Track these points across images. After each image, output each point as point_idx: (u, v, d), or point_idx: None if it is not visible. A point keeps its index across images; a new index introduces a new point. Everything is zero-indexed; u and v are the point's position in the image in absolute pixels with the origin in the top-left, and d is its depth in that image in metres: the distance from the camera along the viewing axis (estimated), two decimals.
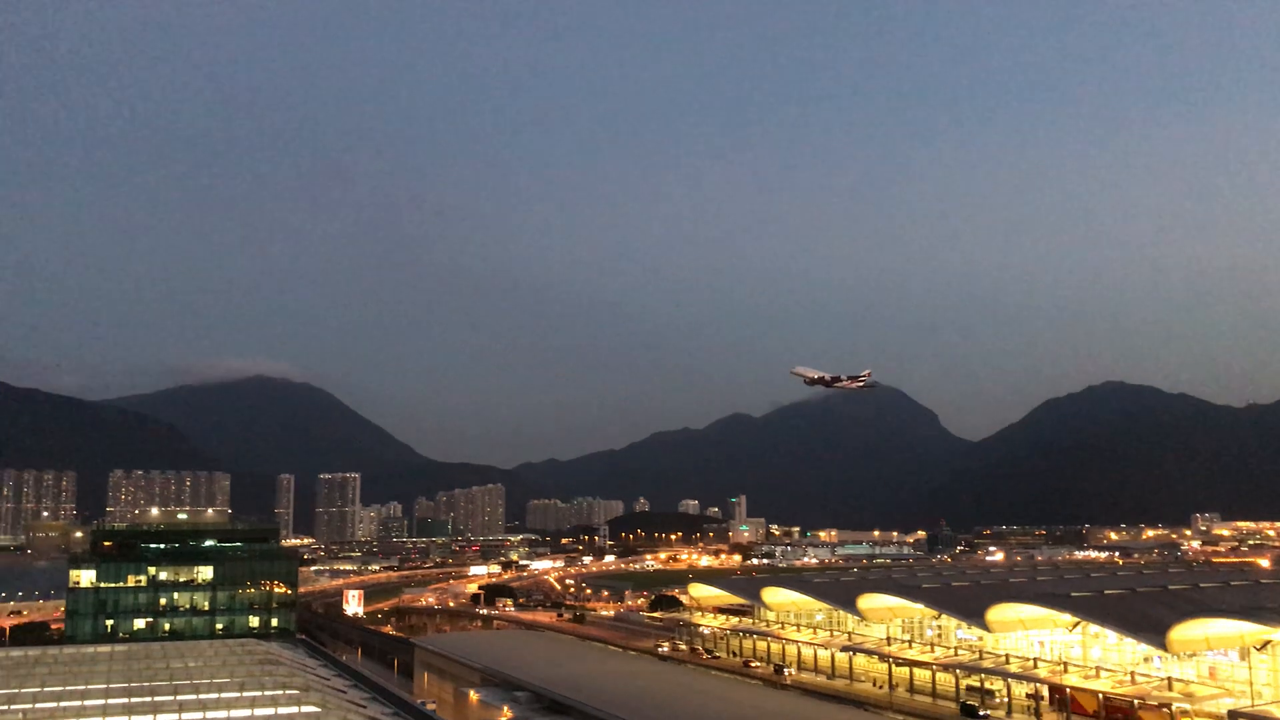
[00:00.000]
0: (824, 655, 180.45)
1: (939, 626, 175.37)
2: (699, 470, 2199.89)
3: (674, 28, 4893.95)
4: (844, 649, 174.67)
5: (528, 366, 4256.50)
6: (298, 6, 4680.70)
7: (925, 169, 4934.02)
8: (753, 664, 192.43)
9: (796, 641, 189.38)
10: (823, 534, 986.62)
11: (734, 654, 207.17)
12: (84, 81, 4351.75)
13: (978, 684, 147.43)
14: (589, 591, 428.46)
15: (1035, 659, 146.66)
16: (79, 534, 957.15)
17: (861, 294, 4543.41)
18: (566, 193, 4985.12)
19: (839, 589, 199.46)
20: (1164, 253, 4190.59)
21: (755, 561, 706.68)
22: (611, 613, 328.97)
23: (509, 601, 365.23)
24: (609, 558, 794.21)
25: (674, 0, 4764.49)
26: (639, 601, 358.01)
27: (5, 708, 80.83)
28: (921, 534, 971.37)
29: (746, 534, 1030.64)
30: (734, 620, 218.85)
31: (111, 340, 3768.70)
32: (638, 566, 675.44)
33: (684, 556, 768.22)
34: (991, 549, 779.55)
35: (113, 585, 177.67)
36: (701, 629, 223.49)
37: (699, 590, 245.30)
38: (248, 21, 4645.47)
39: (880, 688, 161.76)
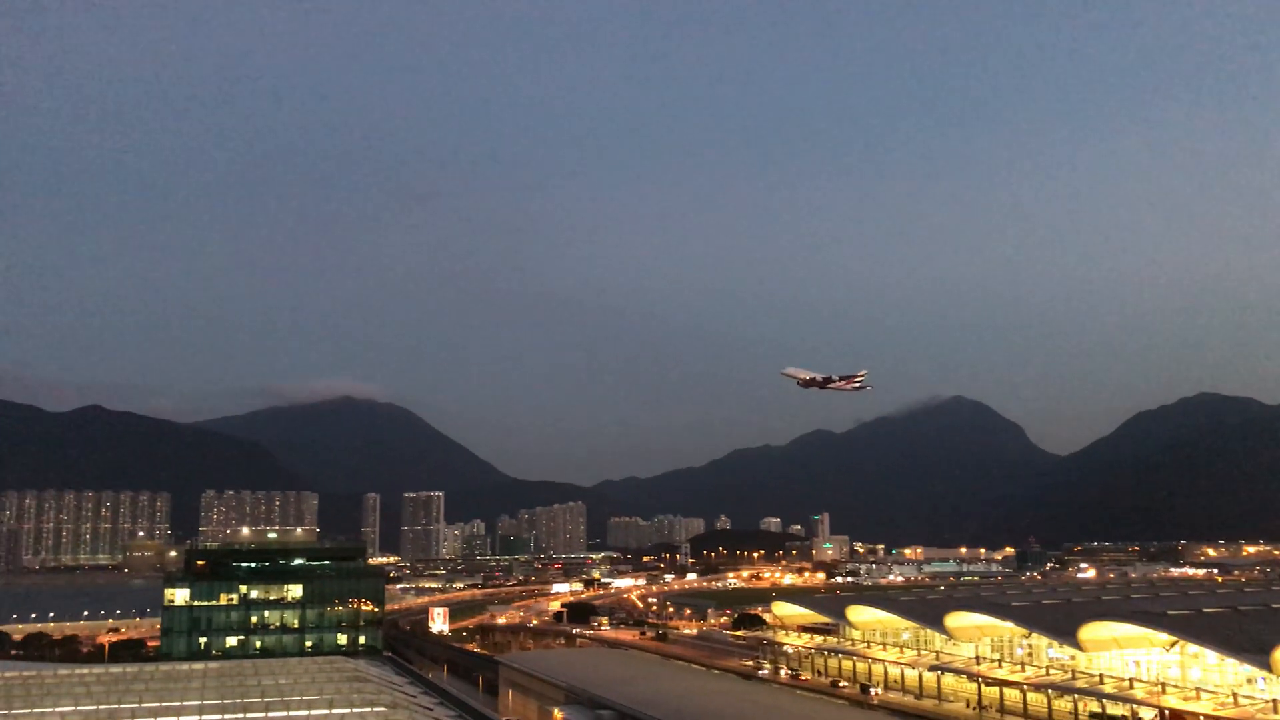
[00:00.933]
0: (911, 675, 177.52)
1: (1029, 645, 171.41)
2: (780, 487, 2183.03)
3: (738, 41, 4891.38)
4: (932, 668, 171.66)
5: (608, 385, 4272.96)
6: (385, 40, 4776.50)
7: (1011, 179, 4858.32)
8: (840, 684, 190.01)
9: (883, 660, 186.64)
10: (908, 551, 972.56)
11: (819, 673, 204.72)
12: (172, 110, 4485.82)
13: (1070, 706, 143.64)
14: (671, 609, 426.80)
15: (1131, 679, 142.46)
16: (173, 553, 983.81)
17: (945, 306, 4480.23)
18: (647, 211, 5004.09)
19: (926, 607, 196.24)
20: (1257, 260, 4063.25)
21: (839, 579, 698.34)
22: (694, 631, 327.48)
23: (605, 620, 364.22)
24: (691, 576, 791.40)
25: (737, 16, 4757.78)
26: (722, 620, 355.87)
27: None
28: (1009, 550, 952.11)
29: (830, 552, 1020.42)
30: (818, 639, 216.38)
31: (203, 364, 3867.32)
32: (720, 584, 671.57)
33: (766, 574, 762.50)
34: (1083, 566, 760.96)
35: (206, 604, 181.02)
36: (785, 648, 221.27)
37: (782, 609, 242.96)
38: (335, 54, 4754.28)
39: (971, 708, 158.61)
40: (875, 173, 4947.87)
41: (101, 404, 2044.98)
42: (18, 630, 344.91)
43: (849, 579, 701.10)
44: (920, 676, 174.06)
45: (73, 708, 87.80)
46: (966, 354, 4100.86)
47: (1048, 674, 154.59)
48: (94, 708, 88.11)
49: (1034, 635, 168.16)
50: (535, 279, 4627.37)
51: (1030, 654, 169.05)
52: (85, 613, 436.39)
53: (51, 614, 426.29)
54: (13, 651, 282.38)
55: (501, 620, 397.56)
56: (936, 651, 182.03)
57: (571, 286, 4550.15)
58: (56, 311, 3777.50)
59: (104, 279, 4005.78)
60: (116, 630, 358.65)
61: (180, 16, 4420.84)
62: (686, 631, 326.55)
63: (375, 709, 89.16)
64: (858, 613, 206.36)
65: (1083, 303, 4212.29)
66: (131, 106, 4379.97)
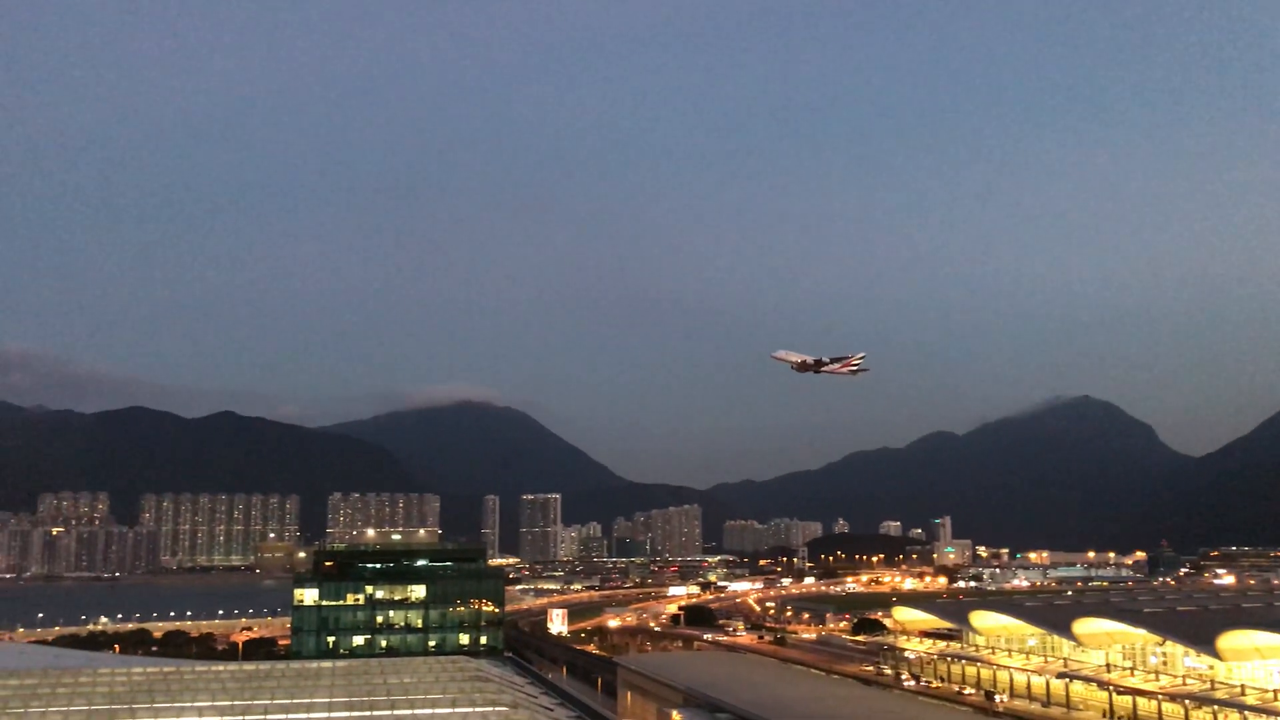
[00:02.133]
0: (1038, 682, 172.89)
1: (1163, 654, 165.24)
2: (899, 490, 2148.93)
3: (876, 36, 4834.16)
4: (1060, 676, 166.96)
5: (723, 387, 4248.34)
6: (499, 50, 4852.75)
7: (1137, 174, 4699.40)
8: (964, 691, 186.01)
9: (1008, 667, 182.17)
10: (1033, 555, 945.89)
11: (941, 679, 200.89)
12: (299, 122, 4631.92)
13: (1209, 717, 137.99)
14: (789, 613, 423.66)
15: (1276, 691, 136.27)
16: (302, 554, 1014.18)
17: (1072, 305, 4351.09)
18: (757, 213, 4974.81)
19: (1053, 613, 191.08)
20: None
21: (961, 584, 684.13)
22: (812, 635, 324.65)
23: (740, 625, 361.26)
24: (808, 580, 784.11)
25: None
26: (840, 624, 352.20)
27: (240, 718, 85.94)
28: (1140, 555, 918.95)
29: (952, 556, 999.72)
30: (941, 644, 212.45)
31: (330, 371, 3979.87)
32: (838, 589, 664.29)
33: (886, 579, 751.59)
34: (1220, 571, 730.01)
35: (334, 604, 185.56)
36: (906, 653, 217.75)
37: (903, 613, 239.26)
38: (454, 67, 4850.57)
39: (1105, 718, 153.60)
40: (992, 170, 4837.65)
41: (234, 410, 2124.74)
42: (158, 628, 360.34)
43: (972, 584, 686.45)
44: (1047, 684, 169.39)
45: (209, 703, 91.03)
46: (1094, 353, 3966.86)
47: (1184, 684, 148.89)
48: (229, 703, 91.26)
49: (1168, 643, 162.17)
50: (650, 282, 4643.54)
51: (1165, 662, 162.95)
52: (220, 612, 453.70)
53: (189, 613, 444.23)
54: (153, 648, 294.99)
55: (619, 623, 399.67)
56: (1064, 659, 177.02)
57: (686, 289, 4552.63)
58: (191, 322, 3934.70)
59: (234, 290, 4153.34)
60: (249, 629, 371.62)
61: (303, 30, 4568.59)
62: (805, 636, 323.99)
63: (497, 708, 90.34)
64: (981, 618, 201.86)
65: (1217, 297, 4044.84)
66: (258, 118, 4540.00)
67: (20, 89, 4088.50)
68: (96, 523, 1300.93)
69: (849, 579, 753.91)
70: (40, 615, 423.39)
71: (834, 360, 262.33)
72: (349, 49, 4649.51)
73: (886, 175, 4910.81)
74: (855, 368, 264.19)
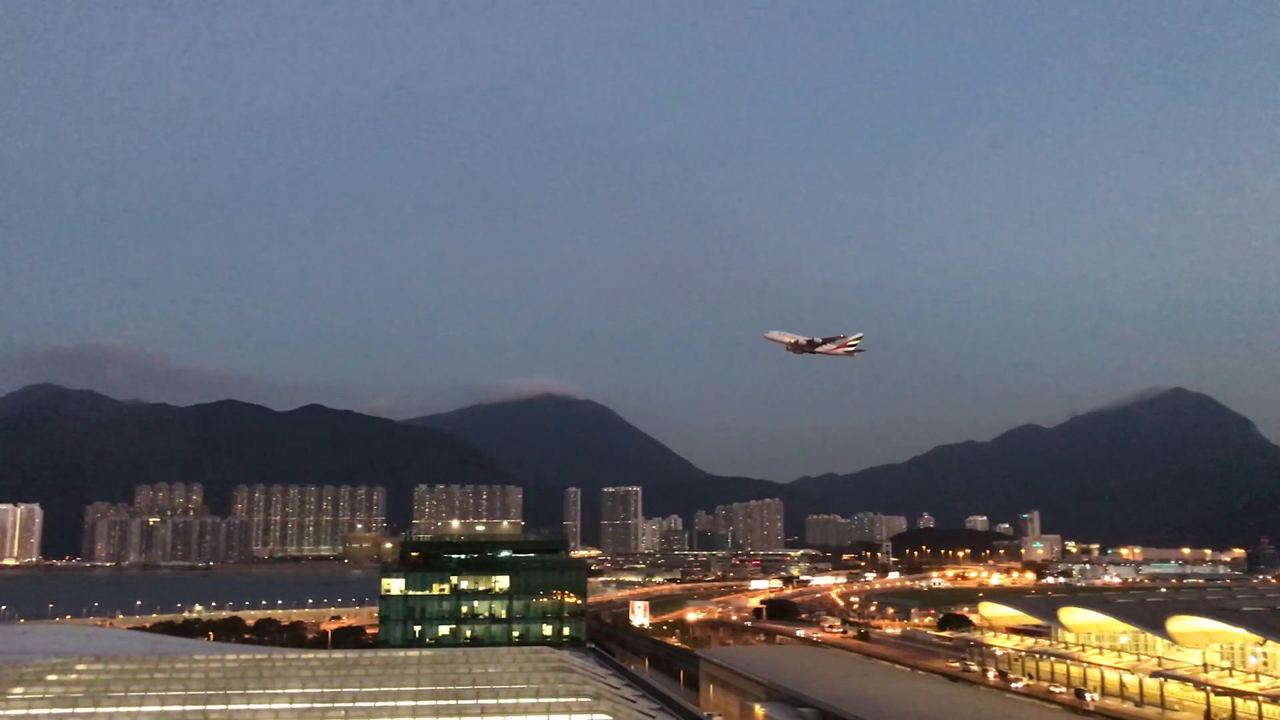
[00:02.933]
0: (1131, 681, 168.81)
1: (1264, 654, 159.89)
2: (986, 485, 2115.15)
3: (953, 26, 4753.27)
4: (1154, 675, 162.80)
5: (805, 380, 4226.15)
6: (575, 43, 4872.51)
7: (1230, 160, 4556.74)
8: (1054, 689, 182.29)
9: (1099, 665, 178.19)
10: (1125, 551, 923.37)
11: (1029, 676, 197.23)
12: (379, 120, 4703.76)
13: None
14: (873, 608, 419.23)
15: None
16: (388, 545, 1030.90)
17: (1163, 296, 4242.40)
18: (841, 204, 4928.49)
19: (1146, 610, 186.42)
20: None
21: (1050, 580, 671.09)
22: (897, 631, 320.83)
23: (837, 622, 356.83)
24: (893, 574, 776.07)
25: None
26: (926, 620, 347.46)
27: (330, 705, 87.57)
28: (1238, 552, 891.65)
29: (1040, 551, 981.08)
30: (1029, 641, 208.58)
31: (415, 364, 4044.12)
32: (923, 584, 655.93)
33: (972, 574, 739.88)
34: None
35: (419, 593, 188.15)
36: (994, 649, 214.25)
37: (990, 609, 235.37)
38: (530, 59, 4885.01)
39: (1203, 719, 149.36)
40: (1080, 162, 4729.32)
41: (322, 403, 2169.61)
42: (250, 616, 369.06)
43: (1061, 580, 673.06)
44: (1141, 683, 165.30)
45: (300, 690, 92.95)
46: (1187, 345, 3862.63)
47: None
48: (319, 690, 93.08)
49: (1269, 643, 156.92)
50: (732, 274, 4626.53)
51: (1266, 663, 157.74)
52: (309, 600, 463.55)
53: (279, 601, 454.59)
54: (245, 635, 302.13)
55: (701, 616, 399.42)
56: (1158, 657, 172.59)
57: (768, 282, 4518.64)
58: (280, 318, 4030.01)
59: (323, 286, 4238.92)
60: (338, 618, 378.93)
61: (378, 28, 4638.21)
62: (889, 631, 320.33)
63: (580, 699, 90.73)
64: (1071, 615, 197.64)
65: None
66: (339, 117, 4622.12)
67: (119, 96, 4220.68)
68: (191, 513, 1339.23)
69: (934, 574, 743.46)
70: (139, 603, 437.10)
71: (828, 340, 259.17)
72: (438, 52, 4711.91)
73: (971, 171, 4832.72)
74: (851, 348, 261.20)
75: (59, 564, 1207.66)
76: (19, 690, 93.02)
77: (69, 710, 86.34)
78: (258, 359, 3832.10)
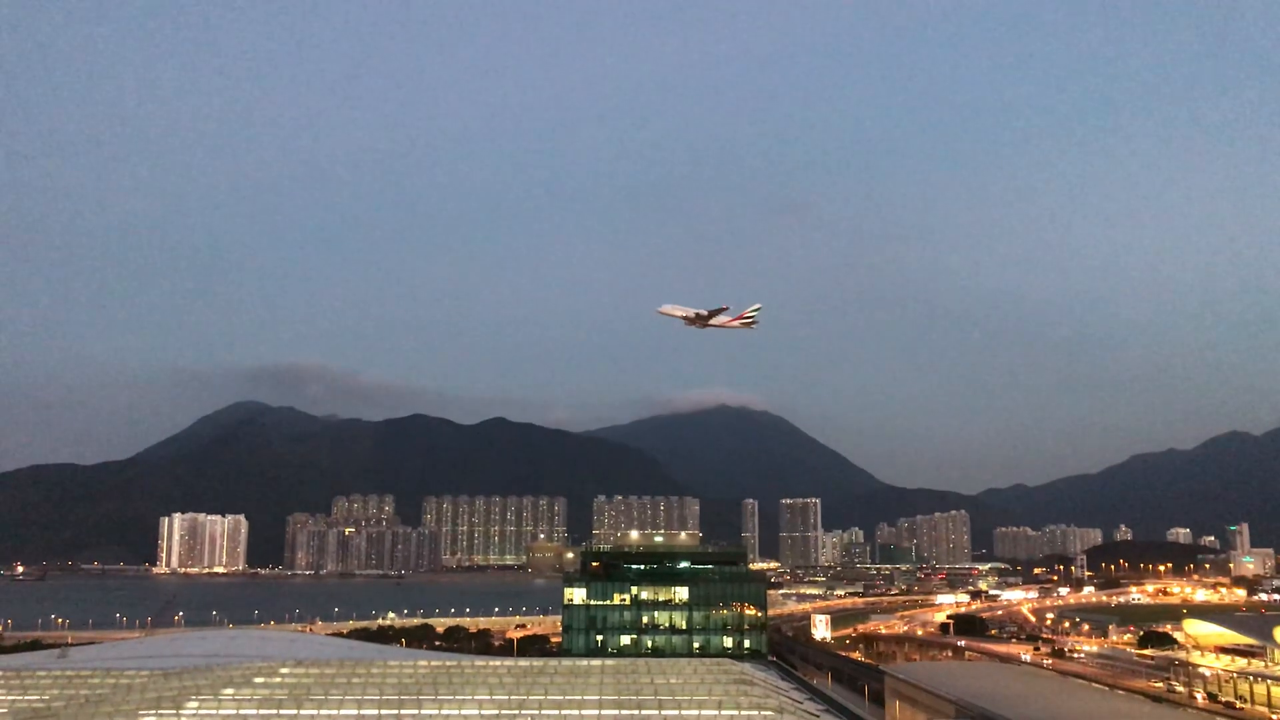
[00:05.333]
0: None
1: None
2: (1188, 495, 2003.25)
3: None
4: None
5: (990, 389, 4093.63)
6: (750, 54, 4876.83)
7: None
8: (1274, 715, 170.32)
9: None
10: None
11: (1242, 699, 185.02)
12: (553, 133, 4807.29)
13: None
14: (1066, 625, 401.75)
15: None
16: (570, 555, 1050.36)
17: None
18: (1024, 209, 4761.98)
19: None
20: None
21: (1263, 597, 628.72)
22: (1094, 648, 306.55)
23: (1037, 641, 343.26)
24: (1088, 589, 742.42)
25: None
26: (1124, 637, 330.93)
27: (517, 712, 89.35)
28: None
29: (1251, 566, 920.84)
30: (1241, 662, 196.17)
31: (593, 377, 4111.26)
32: (1121, 599, 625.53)
33: (1175, 590, 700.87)
34: None
35: (601, 603, 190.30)
36: (1202, 670, 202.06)
37: (1196, 627, 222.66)
38: (705, 71, 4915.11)
39: None
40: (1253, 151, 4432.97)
41: (505, 416, 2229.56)
42: (440, 623, 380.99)
43: (1275, 597, 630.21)
44: None
45: (488, 696, 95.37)
46: None
47: None
48: (506, 697, 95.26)
49: None
50: (910, 284, 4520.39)
51: None
52: (495, 609, 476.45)
53: (467, 609, 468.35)
54: (436, 642, 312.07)
55: (885, 630, 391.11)
56: None
57: (948, 290, 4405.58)
58: (464, 334, 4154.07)
59: (502, 302, 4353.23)
60: (523, 626, 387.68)
61: (549, 41, 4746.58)
62: (1085, 648, 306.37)
63: (763, 712, 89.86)
64: None
65: None
66: (515, 133, 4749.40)
67: (297, 116, 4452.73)
68: (384, 524, 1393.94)
69: (1133, 589, 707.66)
70: (336, 610, 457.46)
71: (716, 312, 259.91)
72: (610, 65, 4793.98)
73: (1170, 166, 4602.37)
74: (747, 320, 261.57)
75: (263, 572, 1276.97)
76: (229, 691, 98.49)
77: (274, 711, 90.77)
78: (443, 374, 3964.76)
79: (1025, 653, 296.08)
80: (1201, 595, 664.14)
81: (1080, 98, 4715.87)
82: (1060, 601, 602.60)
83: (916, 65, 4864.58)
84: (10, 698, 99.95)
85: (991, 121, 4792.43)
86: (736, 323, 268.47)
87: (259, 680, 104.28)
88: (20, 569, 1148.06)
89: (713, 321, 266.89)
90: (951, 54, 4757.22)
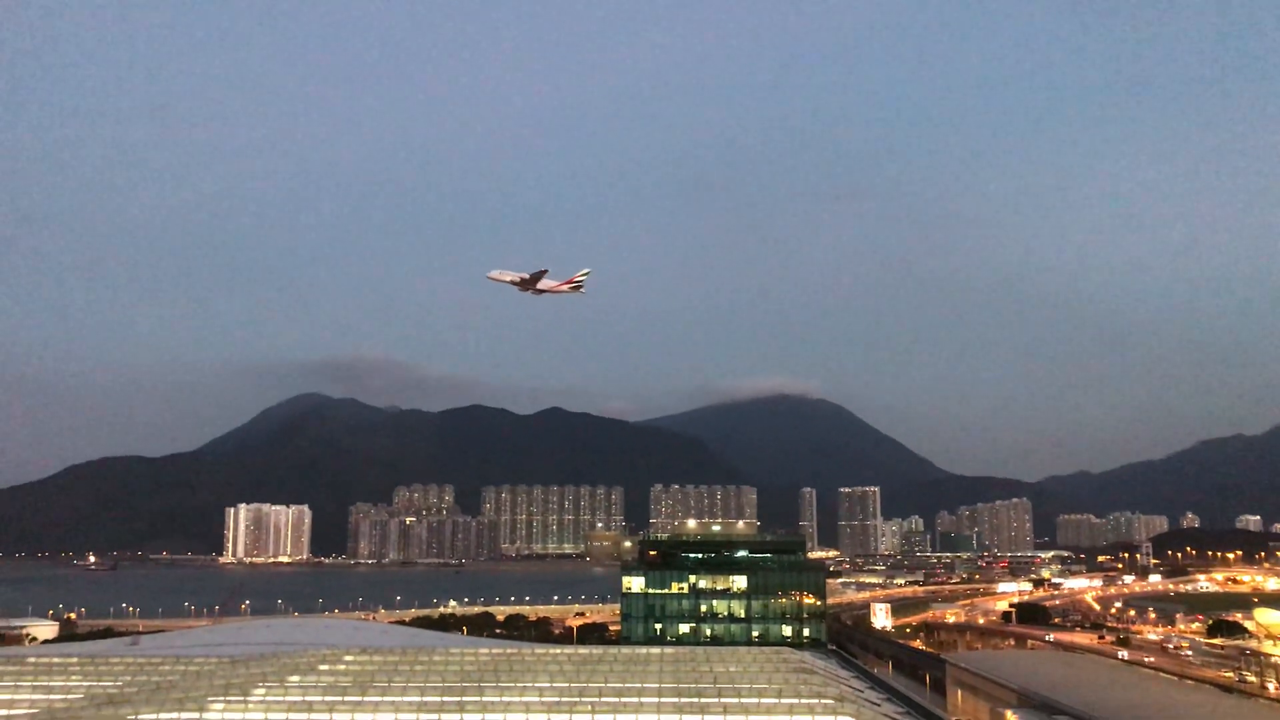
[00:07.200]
0: None
1: None
2: (1258, 481, 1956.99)
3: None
4: None
5: (1051, 374, 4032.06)
6: (808, 44, 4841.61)
7: None
8: None
9: None
10: None
11: None
12: (624, 124, 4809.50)
13: None
14: (1132, 613, 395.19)
15: None
16: (628, 543, 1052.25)
17: None
18: (1082, 191, 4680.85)
19: None
20: None
21: None
22: (1160, 637, 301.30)
23: (1120, 638, 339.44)
24: (1154, 577, 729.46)
25: None
26: (1192, 626, 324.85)
27: (577, 699, 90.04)
28: None
29: None
30: None
31: (650, 366, 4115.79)
32: (1188, 588, 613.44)
33: (1245, 578, 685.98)
34: None
35: (659, 592, 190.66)
36: (1274, 660, 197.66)
37: (1268, 616, 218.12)
38: (763, 58, 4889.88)
39: None
40: None
41: (562, 406, 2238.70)
42: (500, 611, 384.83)
43: None
44: None
45: (549, 684, 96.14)
46: None
47: None
48: (567, 684, 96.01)
49: None
50: (967, 269, 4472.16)
51: None
52: (555, 597, 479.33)
53: (527, 597, 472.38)
54: (496, 630, 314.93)
55: (947, 618, 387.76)
56: None
57: (1007, 274, 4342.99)
58: (520, 324, 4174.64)
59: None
60: (582, 614, 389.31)
61: (609, 33, 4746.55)
62: (1151, 637, 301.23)
63: (823, 700, 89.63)
64: None
65: None
66: (573, 125, 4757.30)
67: (366, 110, 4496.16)
68: (444, 513, 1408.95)
69: (1201, 577, 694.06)
70: (398, 598, 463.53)
71: (537, 275, 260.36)
72: (669, 58, 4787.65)
73: (1248, 144, 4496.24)
74: (575, 284, 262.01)
75: (326, 561, 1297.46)
76: (295, 678, 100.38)
77: (339, 698, 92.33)
78: (502, 365, 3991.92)
79: (1090, 641, 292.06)
80: (1274, 584, 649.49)
81: (1136, 75, 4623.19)
82: (1125, 590, 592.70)
83: (962, 53, 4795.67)
84: (86, 683, 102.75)
85: (1045, 103, 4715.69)
86: (565, 287, 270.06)
87: (324, 667, 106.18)
88: (93, 560, 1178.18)
89: (540, 286, 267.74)
90: (999, 36, 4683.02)
